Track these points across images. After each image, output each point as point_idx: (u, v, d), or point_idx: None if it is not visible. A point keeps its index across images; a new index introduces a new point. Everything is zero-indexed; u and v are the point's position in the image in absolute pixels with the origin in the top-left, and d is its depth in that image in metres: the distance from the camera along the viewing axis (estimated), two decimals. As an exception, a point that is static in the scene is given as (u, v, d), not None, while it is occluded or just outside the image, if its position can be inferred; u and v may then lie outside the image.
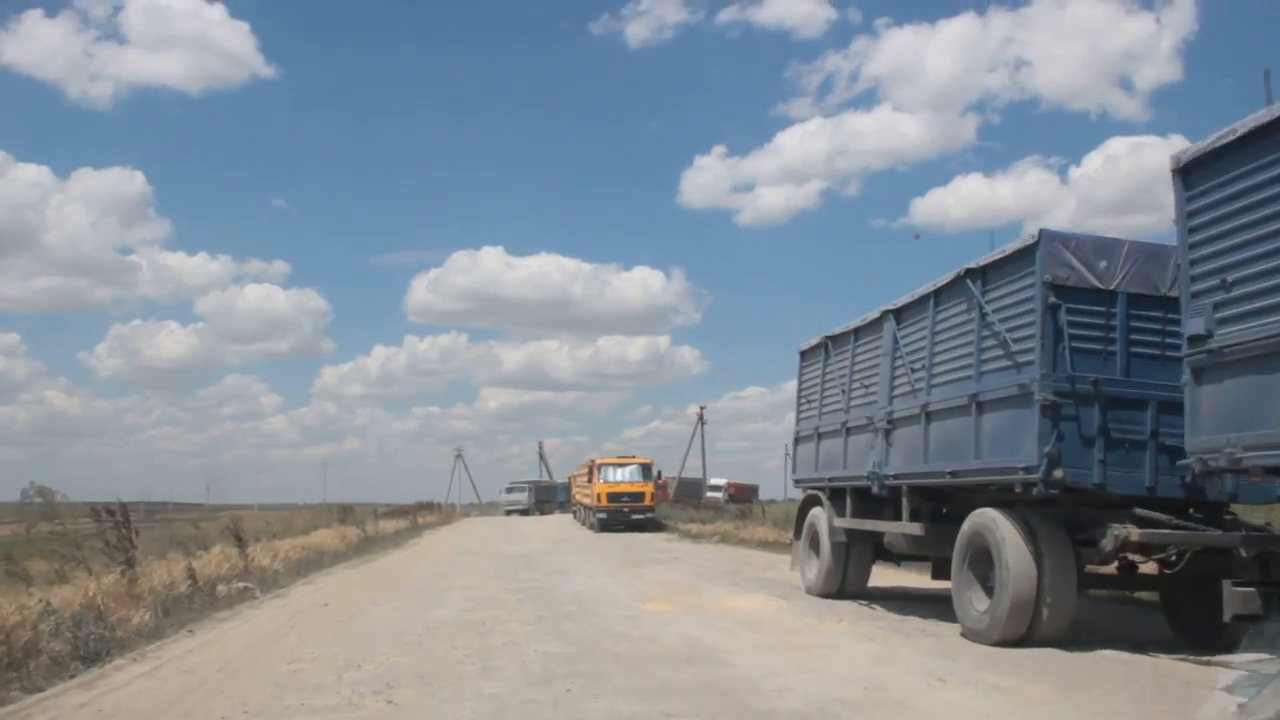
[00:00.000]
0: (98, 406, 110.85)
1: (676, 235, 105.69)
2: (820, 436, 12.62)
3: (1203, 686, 6.19)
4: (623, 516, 34.08)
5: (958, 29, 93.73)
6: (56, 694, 6.81)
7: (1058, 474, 7.77)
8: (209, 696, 6.66)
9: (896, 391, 10.50)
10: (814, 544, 12.54)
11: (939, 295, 9.76)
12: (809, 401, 13.22)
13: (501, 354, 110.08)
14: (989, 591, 8.51)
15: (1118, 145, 77.84)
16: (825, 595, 12.06)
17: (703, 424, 60.27)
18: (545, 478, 74.77)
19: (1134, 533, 7.60)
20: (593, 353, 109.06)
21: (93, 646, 7.94)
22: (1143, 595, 10.34)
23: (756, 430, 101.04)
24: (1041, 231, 8.12)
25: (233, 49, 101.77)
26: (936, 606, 10.94)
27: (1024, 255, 8.31)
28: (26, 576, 10.17)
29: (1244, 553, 7.45)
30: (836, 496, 11.99)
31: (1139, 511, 7.74)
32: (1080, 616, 8.50)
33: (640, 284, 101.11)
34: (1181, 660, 7.59)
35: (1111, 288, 8.11)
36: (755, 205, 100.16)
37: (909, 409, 10.05)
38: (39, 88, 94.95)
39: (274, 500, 65.55)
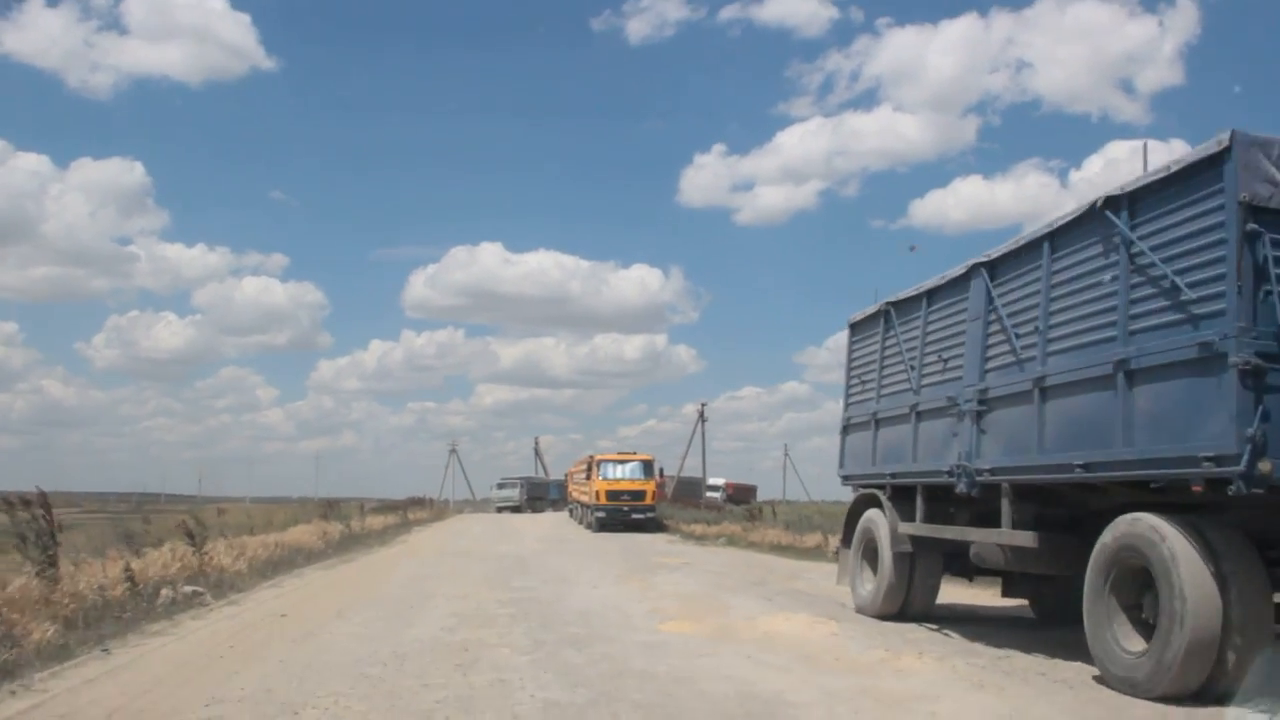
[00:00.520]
0: (94, 397, 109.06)
1: (675, 234, 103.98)
2: (879, 423, 10.42)
3: None
4: (622, 516, 31.96)
5: (960, 29, 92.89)
6: None
7: (1264, 467, 5.57)
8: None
9: (991, 364, 8.30)
10: (869, 554, 10.36)
11: (1056, 238, 7.58)
12: (863, 382, 11.01)
13: (498, 350, 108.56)
14: (1142, 627, 6.35)
15: (1118, 149, 75.80)
16: (883, 616, 9.88)
17: (703, 422, 58.07)
18: (540, 474, 72.57)
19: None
20: (589, 350, 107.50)
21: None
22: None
23: (752, 431, 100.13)
24: (1234, 134, 5.91)
25: (234, 41, 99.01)
26: (1027, 633, 8.87)
27: (1204, 170, 6.11)
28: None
29: None
30: (902, 496, 9.80)
31: None
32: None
33: (638, 282, 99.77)
34: None
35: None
36: (754, 204, 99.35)
37: (1012, 384, 7.86)
38: (39, 77, 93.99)
39: (268, 494, 64.16)
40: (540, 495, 62.96)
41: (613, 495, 32.45)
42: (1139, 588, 6.38)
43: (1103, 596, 6.61)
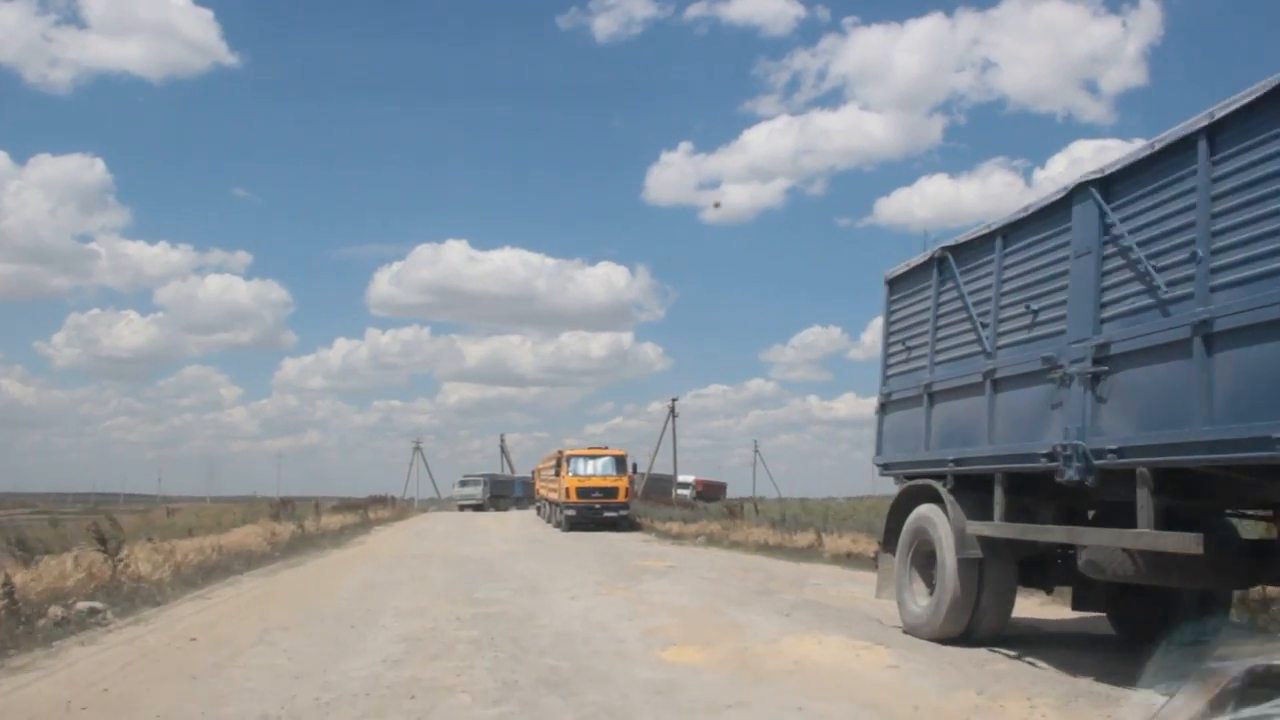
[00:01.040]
0: (54, 396, 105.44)
1: (641, 232, 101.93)
2: (933, 397, 8.36)
3: None
4: (594, 514, 29.74)
5: (926, 29, 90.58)
6: None
7: None
8: None
9: (1111, 310, 6.27)
10: (921, 560, 8.30)
11: (1215, 136, 5.55)
12: (908, 349, 8.92)
13: (464, 348, 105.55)
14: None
15: (1083, 148, 74.77)
16: (944, 639, 7.83)
17: (674, 418, 55.87)
18: (505, 471, 70.11)
19: None
20: (555, 348, 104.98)
21: None
22: None
23: (719, 428, 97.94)
24: None
25: (195, 36, 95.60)
26: (1121, 655, 6.93)
27: None
28: None
29: None
30: (969, 488, 7.74)
31: None
32: None
33: (604, 280, 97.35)
34: None
35: None
36: (721, 202, 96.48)
37: (1152, 335, 5.82)
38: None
39: (230, 493, 61.42)
40: (504, 493, 60.56)
41: (584, 492, 30.26)
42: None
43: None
